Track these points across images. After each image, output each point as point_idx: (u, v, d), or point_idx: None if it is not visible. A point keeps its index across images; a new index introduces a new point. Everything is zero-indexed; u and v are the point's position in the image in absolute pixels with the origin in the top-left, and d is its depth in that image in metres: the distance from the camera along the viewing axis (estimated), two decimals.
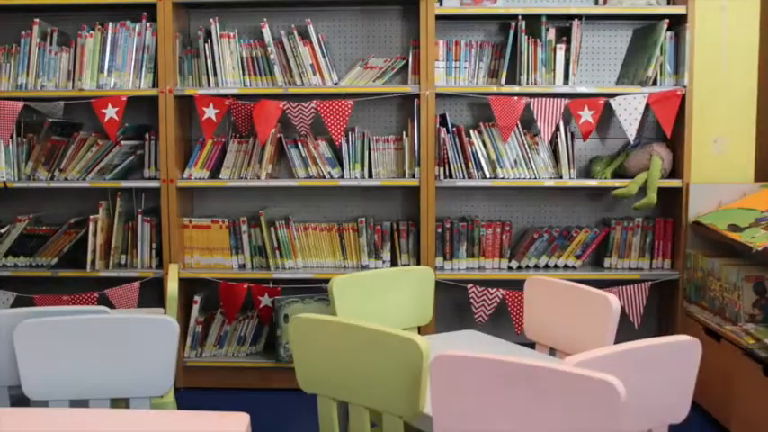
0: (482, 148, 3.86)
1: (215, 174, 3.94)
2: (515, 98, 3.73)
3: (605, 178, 3.86)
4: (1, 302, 3.85)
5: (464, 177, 3.84)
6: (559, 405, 1.55)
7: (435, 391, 1.70)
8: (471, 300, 3.83)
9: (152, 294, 3.89)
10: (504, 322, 3.86)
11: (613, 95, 3.73)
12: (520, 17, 3.78)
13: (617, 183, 3.81)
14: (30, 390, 2.05)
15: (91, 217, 3.87)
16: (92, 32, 3.83)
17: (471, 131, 3.87)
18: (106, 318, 2.16)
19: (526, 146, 3.85)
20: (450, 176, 3.83)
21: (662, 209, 3.98)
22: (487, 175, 3.84)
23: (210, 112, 3.79)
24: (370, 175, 3.91)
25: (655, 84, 3.78)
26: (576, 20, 3.79)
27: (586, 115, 3.72)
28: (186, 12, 4.04)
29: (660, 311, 4.06)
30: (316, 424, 2.10)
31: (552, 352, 2.60)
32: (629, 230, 3.91)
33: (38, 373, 2.05)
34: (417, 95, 3.79)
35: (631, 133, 3.72)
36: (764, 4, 4.03)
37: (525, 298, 2.69)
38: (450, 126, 3.84)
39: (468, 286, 3.83)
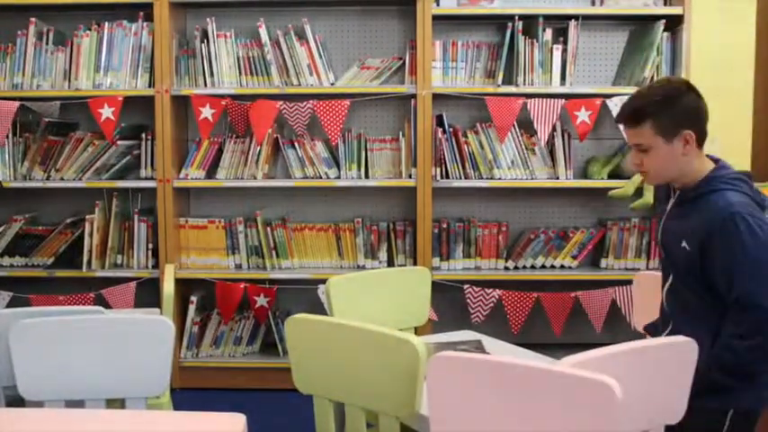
0: (479, 148, 3.86)
1: (211, 174, 3.94)
2: (512, 98, 3.72)
3: (602, 179, 3.86)
4: None
5: (461, 178, 3.83)
6: (556, 406, 1.55)
7: (432, 391, 1.70)
8: (468, 300, 3.83)
9: (148, 295, 3.87)
10: (501, 323, 3.85)
11: (610, 96, 3.73)
12: (517, 18, 3.78)
13: (613, 183, 3.80)
14: (25, 390, 2.04)
15: (87, 217, 3.86)
16: (88, 32, 3.82)
17: (468, 132, 3.87)
18: (102, 318, 2.16)
19: (523, 146, 3.85)
20: (447, 177, 3.83)
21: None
22: (484, 176, 3.84)
23: (207, 112, 3.78)
24: (367, 176, 3.91)
25: None
26: (573, 20, 3.79)
27: (583, 116, 3.72)
28: (183, 11, 4.03)
29: None
30: (312, 425, 2.10)
31: None
32: (625, 231, 3.92)
33: (33, 373, 2.04)
34: (414, 96, 3.79)
35: None
36: (761, 5, 4.04)
37: (634, 293, 2.95)
38: (446, 126, 3.84)
39: (465, 287, 3.83)
